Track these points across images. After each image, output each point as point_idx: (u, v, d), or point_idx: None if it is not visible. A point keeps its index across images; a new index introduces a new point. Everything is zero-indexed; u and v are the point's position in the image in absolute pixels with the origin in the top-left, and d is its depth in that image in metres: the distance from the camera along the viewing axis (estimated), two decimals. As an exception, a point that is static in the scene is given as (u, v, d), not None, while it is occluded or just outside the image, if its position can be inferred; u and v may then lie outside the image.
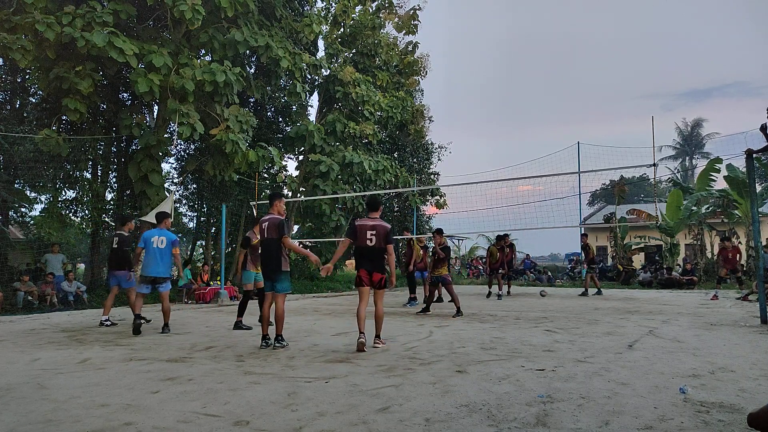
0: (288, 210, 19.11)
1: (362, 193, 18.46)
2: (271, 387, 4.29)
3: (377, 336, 6.22)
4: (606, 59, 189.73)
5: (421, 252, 12.61)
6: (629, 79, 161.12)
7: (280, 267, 6.25)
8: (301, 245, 21.87)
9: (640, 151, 54.00)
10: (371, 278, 6.10)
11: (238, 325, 8.06)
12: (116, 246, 8.89)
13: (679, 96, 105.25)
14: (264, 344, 6.30)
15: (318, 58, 18.57)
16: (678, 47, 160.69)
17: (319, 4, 20.89)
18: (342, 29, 20.68)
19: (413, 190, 21.00)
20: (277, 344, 6.23)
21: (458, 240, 32.30)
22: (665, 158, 47.10)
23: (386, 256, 6.16)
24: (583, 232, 16.28)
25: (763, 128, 7.18)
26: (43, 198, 15.60)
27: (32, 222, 15.59)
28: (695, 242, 21.28)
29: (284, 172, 19.25)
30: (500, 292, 14.31)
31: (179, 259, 8.05)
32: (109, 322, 8.60)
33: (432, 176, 25.45)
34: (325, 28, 19.82)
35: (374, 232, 6.08)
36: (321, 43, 20.36)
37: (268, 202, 6.83)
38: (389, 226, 6.26)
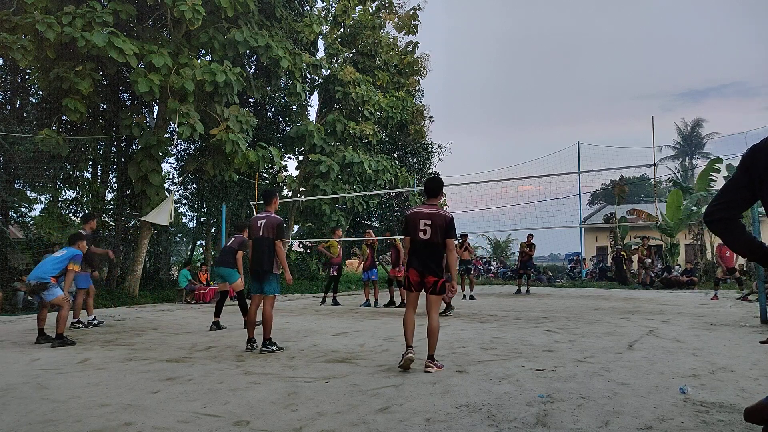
0: (288, 210, 19.12)
1: (362, 193, 18.46)
2: (271, 387, 4.29)
3: (430, 357, 4.90)
4: (605, 59, 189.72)
5: (368, 251, 12.39)
6: (628, 80, 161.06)
7: (272, 268, 6.03)
8: (300, 245, 21.96)
9: (640, 151, 54.11)
10: (423, 281, 4.93)
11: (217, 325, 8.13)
12: None
13: (678, 96, 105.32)
14: (249, 347, 6.09)
15: (318, 58, 18.57)
16: (676, 48, 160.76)
17: (319, 4, 20.91)
18: (342, 29, 20.68)
19: (413, 190, 20.98)
20: (264, 349, 5.98)
21: (458, 240, 32.28)
22: (665, 158, 47.15)
23: (446, 254, 4.95)
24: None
25: None
26: (43, 198, 15.59)
27: (32, 222, 15.57)
28: (695, 242, 21.29)
29: (284, 172, 19.26)
30: (471, 292, 14.22)
31: (70, 275, 6.78)
32: (96, 321, 8.80)
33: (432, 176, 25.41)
34: (325, 28, 19.83)
35: (429, 222, 4.88)
36: (321, 43, 20.38)
37: (263, 201, 6.58)
38: (450, 215, 4.97)
